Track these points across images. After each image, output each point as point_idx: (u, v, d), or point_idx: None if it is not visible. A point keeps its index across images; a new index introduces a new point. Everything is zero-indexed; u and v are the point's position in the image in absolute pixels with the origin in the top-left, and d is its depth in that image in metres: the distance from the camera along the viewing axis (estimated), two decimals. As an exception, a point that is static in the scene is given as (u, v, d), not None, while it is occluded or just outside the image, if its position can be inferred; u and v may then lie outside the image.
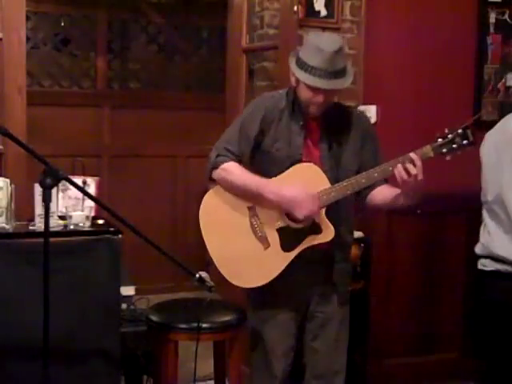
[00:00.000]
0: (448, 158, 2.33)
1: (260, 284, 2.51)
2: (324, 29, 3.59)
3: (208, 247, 2.57)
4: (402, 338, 3.85)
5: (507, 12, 4.01)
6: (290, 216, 2.47)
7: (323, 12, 3.65)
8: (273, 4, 3.67)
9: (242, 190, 2.50)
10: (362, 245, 3.59)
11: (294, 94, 2.53)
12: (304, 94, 2.44)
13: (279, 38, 3.53)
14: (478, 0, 3.95)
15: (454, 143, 2.31)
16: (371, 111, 3.61)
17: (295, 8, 3.39)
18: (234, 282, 2.55)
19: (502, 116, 4.02)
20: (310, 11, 3.62)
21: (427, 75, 3.85)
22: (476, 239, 3.96)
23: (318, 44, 2.37)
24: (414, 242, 3.83)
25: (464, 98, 3.95)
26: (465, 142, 2.30)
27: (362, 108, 3.62)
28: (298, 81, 2.46)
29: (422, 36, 3.82)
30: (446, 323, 3.94)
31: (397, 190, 2.46)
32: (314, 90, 2.39)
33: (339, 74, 2.38)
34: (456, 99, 3.89)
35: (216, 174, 2.53)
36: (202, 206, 2.59)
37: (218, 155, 2.53)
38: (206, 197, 2.60)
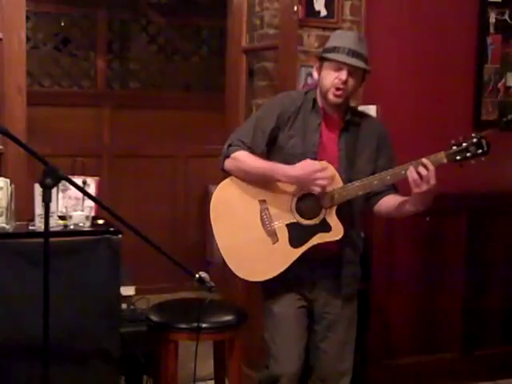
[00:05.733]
0: (462, 165, 2.36)
1: (265, 278, 2.52)
2: (324, 29, 3.59)
3: (216, 237, 2.58)
4: (402, 337, 3.84)
5: (507, 12, 4.01)
6: (300, 212, 2.49)
7: (323, 12, 3.65)
8: (273, 4, 3.67)
9: (254, 175, 2.52)
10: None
11: (315, 93, 2.59)
12: (327, 77, 2.50)
13: (279, 37, 3.53)
14: (478, 0, 3.95)
15: (469, 152, 2.35)
16: (371, 111, 3.61)
17: (295, 8, 3.39)
18: (239, 275, 2.56)
19: (502, 116, 4.05)
20: (310, 11, 3.62)
21: (427, 75, 3.85)
22: (476, 239, 3.97)
23: (343, 32, 2.72)
24: (413, 242, 3.83)
25: (464, 98, 3.95)
26: (479, 151, 2.34)
27: (361, 108, 3.62)
28: (320, 68, 2.54)
29: (421, 36, 3.82)
30: (446, 323, 3.94)
31: (405, 198, 2.48)
32: (338, 69, 2.47)
33: (361, 56, 2.49)
34: (456, 99, 3.89)
35: (228, 163, 2.56)
36: (213, 196, 2.61)
37: (230, 145, 2.57)
38: (219, 188, 2.62)
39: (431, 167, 2.32)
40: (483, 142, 2.34)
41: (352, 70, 2.47)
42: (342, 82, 2.46)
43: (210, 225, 2.60)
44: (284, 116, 2.56)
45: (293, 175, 2.45)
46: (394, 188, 2.57)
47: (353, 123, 2.59)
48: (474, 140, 2.34)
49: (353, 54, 2.46)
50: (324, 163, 2.45)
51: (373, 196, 2.57)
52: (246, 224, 2.54)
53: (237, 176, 2.57)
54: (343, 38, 2.52)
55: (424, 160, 2.34)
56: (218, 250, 2.59)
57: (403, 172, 2.38)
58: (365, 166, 2.56)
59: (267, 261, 2.51)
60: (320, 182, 2.41)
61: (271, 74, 3.73)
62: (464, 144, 2.35)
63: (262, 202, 2.54)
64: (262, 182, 2.53)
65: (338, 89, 2.47)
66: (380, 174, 2.45)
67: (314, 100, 2.58)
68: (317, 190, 2.43)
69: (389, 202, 2.56)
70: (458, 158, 2.35)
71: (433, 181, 2.32)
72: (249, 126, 2.62)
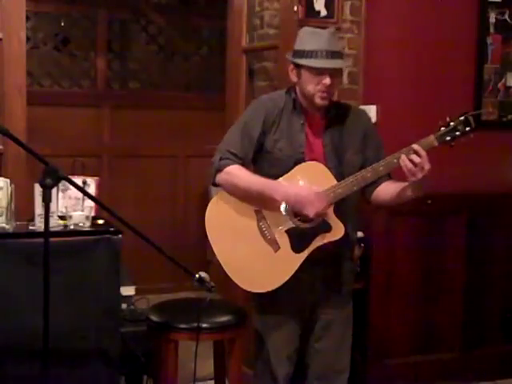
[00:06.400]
0: (452, 145, 2.34)
1: (274, 287, 2.46)
2: (324, 29, 3.59)
3: (217, 255, 2.53)
4: (402, 337, 3.84)
5: (507, 12, 4.01)
6: (298, 216, 2.45)
7: (323, 12, 3.65)
8: (273, 4, 3.68)
9: (247, 192, 2.46)
10: (362, 245, 3.59)
11: (295, 92, 2.53)
12: (309, 83, 2.43)
13: (279, 37, 3.54)
14: (478, 0, 3.95)
15: (457, 130, 2.33)
16: (371, 111, 3.61)
17: (295, 8, 3.39)
18: (247, 288, 2.52)
19: (502, 116, 4.05)
20: (310, 11, 3.62)
21: (427, 75, 3.85)
22: (476, 239, 3.96)
23: (313, 30, 2.48)
24: (413, 242, 3.83)
25: (464, 98, 3.95)
26: (468, 128, 2.33)
27: (361, 108, 3.62)
28: (299, 75, 2.47)
29: (421, 36, 3.82)
30: (446, 323, 3.94)
31: (402, 184, 2.44)
32: (319, 73, 2.40)
33: (339, 54, 2.43)
34: (456, 99, 3.89)
35: (220, 177, 2.50)
36: (207, 213, 2.55)
37: (221, 158, 2.50)
38: (211, 204, 2.56)
39: (423, 153, 2.29)
40: (470, 119, 2.33)
41: (334, 72, 2.42)
42: (327, 86, 2.41)
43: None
44: (269, 120, 2.50)
45: (291, 194, 2.39)
46: (387, 175, 2.52)
47: (336, 117, 2.54)
48: (461, 118, 2.32)
49: (332, 55, 2.39)
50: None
51: (368, 187, 2.51)
52: (245, 236, 2.49)
53: (229, 191, 2.50)
54: (316, 39, 2.41)
55: (415, 146, 2.31)
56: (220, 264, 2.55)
57: (395, 161, 2.35)
58: (353, 158, 2.52)
59: (272, 270, 2.46)
60: (316, 209, 2.37)
61: (271, 73, 3.73)
62: (452, 123, 2.33)
63: (258, 211, 2.48)
64: (255, 196, 2.46)
65: (323, 92, 2.43)
66: (372, 167, 2.41)
67: (294, 100, 2.53)
68: (311, 213, 2.38)
69: (387, 191, 2.52)
70: (448, 138, 2.33)
71: (427, 166, 2.29)
72: (236, 134, 2.54)
